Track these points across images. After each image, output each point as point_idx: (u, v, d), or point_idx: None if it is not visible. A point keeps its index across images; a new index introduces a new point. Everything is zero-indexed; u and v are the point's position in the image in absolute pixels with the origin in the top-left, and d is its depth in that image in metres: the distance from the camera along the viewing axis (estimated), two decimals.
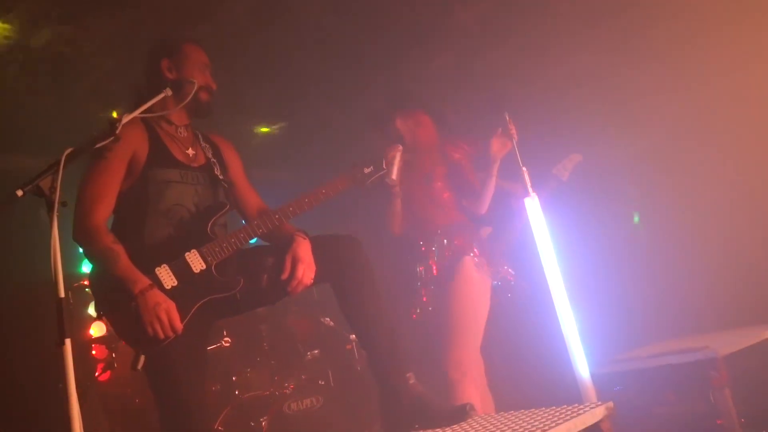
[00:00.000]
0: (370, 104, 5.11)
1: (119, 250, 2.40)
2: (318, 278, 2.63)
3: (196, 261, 2.47)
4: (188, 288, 2.43)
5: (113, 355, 4.36)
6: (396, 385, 2.50)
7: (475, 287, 3.37)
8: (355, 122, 5.32)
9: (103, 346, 4.46)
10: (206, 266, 2.47)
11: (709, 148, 4.68)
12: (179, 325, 2.36)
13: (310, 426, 3.90)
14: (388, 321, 2.57)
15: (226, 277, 2.50)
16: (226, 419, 3.96)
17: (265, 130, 5.76)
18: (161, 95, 2.50)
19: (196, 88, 2.61)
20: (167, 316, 2.33)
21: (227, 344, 4.31)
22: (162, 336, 2.33)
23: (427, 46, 4.72)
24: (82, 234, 2.42)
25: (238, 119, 5.34)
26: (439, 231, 3.45)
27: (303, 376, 4.28)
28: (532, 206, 3.03)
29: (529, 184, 3.05)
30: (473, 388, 3.22)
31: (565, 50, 4.73)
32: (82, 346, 4.49)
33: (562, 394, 2.95)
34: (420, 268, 3.44)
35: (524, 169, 3.07)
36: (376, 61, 4.81)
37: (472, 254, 3.41)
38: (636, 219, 4.74)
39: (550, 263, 2.97)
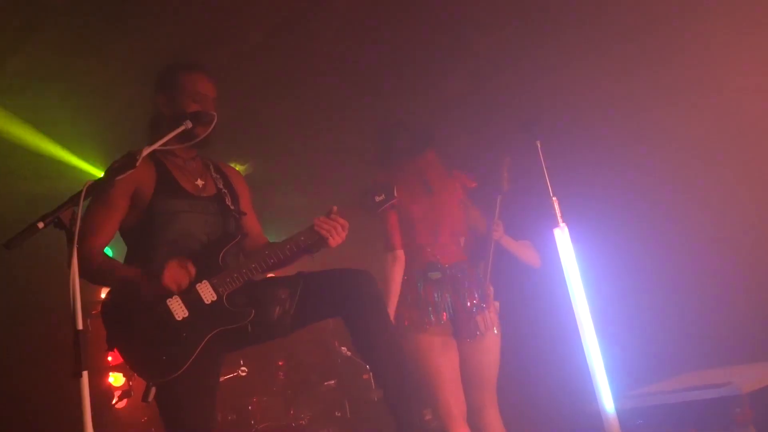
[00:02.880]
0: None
1: (113, 263, 2.49)
2: (330, 313, 2.63)
3: (207, 292, 2.46)
4: (199, 319, 2.43)
5: (130, 383, 4.36)
6: (412, 422, 2.46)
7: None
8: (366, 143, 5.35)
9: (120, 374, 4.46)
10: (217, 297, 2.46)
11: (735, 174, 4.61)
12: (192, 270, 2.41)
13: None
14: (402, 356, 2.54)
15: (237, 308, 2.48)
16: None
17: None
18: (181, 128, 2.48)
19: (186, 127, 2.50)
20: (175, 269, 2.38)
21: (243, 374, 4.30)
22: (187, 281, 2.39)
23: (443, 73, 4.74)
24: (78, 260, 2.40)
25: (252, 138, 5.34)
26: (447, 271, 3.44)
27: (319, 407, 4.24)
28: (561, 237, 3.01)
29: (559, 215, 3.03)
30: None
31: (582, 75, 4.71)
32: (100, 372, 4.48)
33: (584, 428, 2.90)
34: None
35: (554, 198, 3.05)
36: (392, 86, 4.83)
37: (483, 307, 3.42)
38: None
39: (578, 294, 2.94)
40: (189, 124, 2.51)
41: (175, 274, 2.39)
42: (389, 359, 2.51)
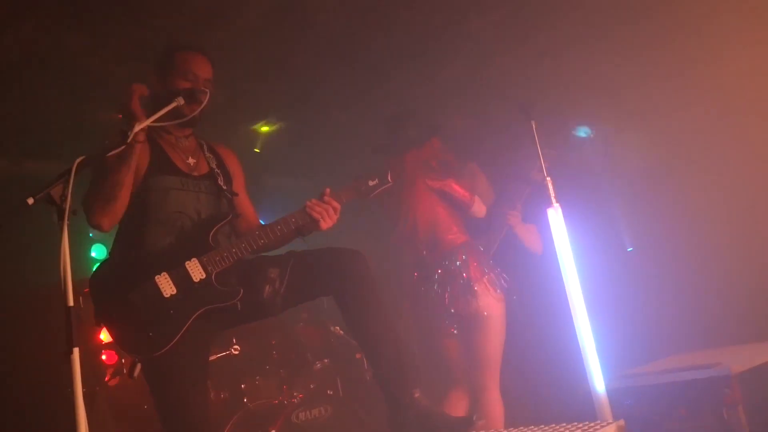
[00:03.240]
0: (380, 111, 5.14)
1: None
2: (321, 292, 2.65)
3: (196, 270, 2.46)
4: (187, 297, 2.44)
5: (122, 360, 4.36)
6: (402, 400, 2.49)
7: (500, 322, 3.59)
8: (363, 127, 5.35)
9: (113, 352, 4.47)
10: (206, 275, 2.47)
11: (731, 154, 4.62)
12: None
13: None
14: (394, 335, 2.56)
15: (225, 288, 2.49)
16: (234, 427, 3.95)
17: (265, 129, 5.72)
18: (173, 104, 2.49)
19: (177, 104, 2.52)
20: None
21: (236, 352, 4.30)
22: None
23: (440, 52, 4.71)
24: (97, 222, 2.45)
25: (241, 119, 5.32)
26: (451, 253, 3.59)
27: (312, 386, 4.26)
28: (555, 217, 3.02)
29: (553, 195, 3.04)
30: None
31: (580, 58, 4.70)
32: (92, 351, 4.49)
33: (575, 408, 2.93)
34: (446, 299, 3.56)
35: (548, 179, 3.06)
36: (387, 66, 4.81)
37: (486, 281, 3.56)
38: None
39: (570, 275, 2.95)
40: (181, 101, 2.52)
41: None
42: (380, 338, 2.53)
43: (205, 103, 2.59)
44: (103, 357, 4.64)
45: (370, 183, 2.70)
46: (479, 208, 3.76)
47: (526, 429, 2.43)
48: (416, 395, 2.49)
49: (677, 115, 4.52)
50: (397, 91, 5.11)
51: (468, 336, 3.57)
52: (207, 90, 2.62)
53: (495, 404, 3.48)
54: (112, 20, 3.80)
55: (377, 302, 2.56)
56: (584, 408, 2.85)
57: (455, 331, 3.58)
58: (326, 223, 2.59)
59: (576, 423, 2.31)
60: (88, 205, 2.43)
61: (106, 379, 4.49)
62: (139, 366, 2.42)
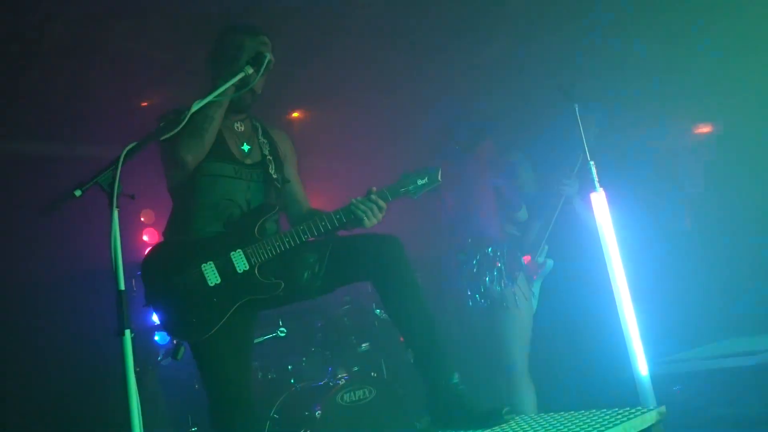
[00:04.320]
0: (419, 93, 5.14)
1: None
2: (359, 277, 2.67)
3: (240, 261, 2.52)
4: (230, 287, 2.49)
5: (174, 341, 4.48)
6: (439, 383, 2.51)
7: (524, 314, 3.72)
8: (404, 109, 5.35)
9: (165, 333, 4.60)
10: (249, 267, 2.52)
11: None
12: None
13: (363, 416, 3.93)
14: (431, 319, 2.57)
15: (267, 280, 2.54)
16: (281, 407, 4.04)
17: (296, 115, 5.76)
18: (238, 76, 2.48)
19: (245, 73, 2.51)
20: None
21: (283, 334, 4.39)
22: None
23: (477, 34, 4.66)
24: (182, 156, 2.50)
25: (280, 103, 5.34)
26: (490, 243, 3.73)
27: (356, 368, 4.32)
28: (598, 201, 3.00)
29: (596, 179, 3.02)
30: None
31: (623, 36, 4.60)
32: (145, 332, 4.64)
33: (619, 392, 2.91)
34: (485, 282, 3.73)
35: (592, 162, 3.03)
36: (426, 47, 4.79)
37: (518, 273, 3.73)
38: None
39: (613, 259, 2.93)
40: (249, 70, 2.51)
41: None
42: (419, 323, 2.55)
43: (266, 63, 2.53)
44: (156, 337, 4.81)
45: (419, 182, 2.64)
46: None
47: (566, 414, 2.43)
48: (455, 379, 2.50)
49: (723, 97, 4.40)
50: (437, 73, 5.09)
51: (495, 321, 3.69)
52: (268, 55, 2.56)
53: (523, 389, 3.58)
54: (155, 6, 3.87)
55: (414, 286, 2.57)
56: (629, 393, 2.83)
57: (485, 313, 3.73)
58: (370, 222, 2.58)
59: (617, 409, 2.29)
60: (178, 139, 2.42)
61: (159, 359, 4.65)
62: (183, 349, 2.49)
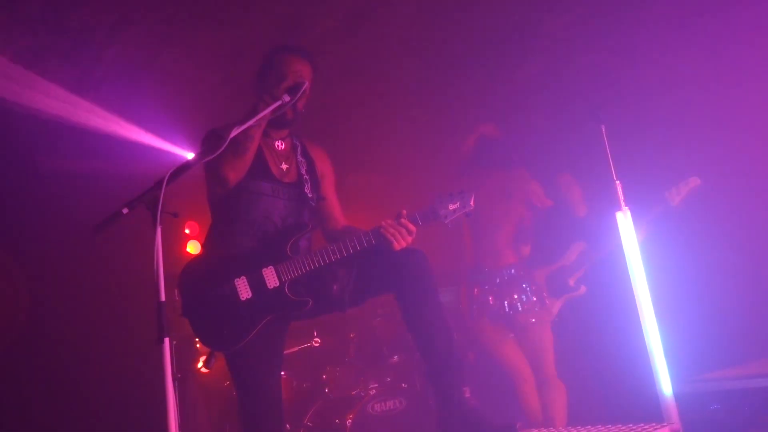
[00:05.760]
0: (455, 110, 5.23)
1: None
2: (385, 289, 2.72)
3: (271, 277, 2.62)
4: (261, 302, 2.61)
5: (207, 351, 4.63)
6: (451, 397, 2.57)
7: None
8: (441, 126, 5.45)
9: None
10: (280, 284, 2.62)
11: None
12: None
13: (392, 427, 4.03)
14: (448, 334, 2.63)
15: (296, 297, 2.64)
16: (314, 415, 4.16)
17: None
18: (278, 103, 2.58)
19: (282, 102, 2.60)
20: None
21: (317, 344, 4.51)
22: None
23: (513, 54, 4.74)
24: (231, 177, 2.63)
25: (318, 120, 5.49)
26: (510, 267, 3.92)
27: (388, 378, 4.41)
28: (624, 221, 3.04)
29: (621, 198, 3.06)
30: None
31: (658, 55, 4.61)
32: (187, 338, 4.80)
33: (647, 410, 2.94)
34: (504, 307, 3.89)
35: (618, 182, 3.07)
36: (463, 68, 4.87)
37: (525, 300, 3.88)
38: None
39: (638, 278, 2.97)
40: (286, 98, 2.60)
41: None
42: (435, 336, 2.61)
43: (303, 90, 2.63)
44: (197, 345, 4.97)
45: (451, 207, 2.66)
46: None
47: (581, 428, 2.49)
48: (466, 394, 2.57)
49: (753, 116, 4.36)
50: (473, 92, 5.18)
51: (523, 339, 3.89)
52: (305, 83, 2.66)
53: (557, 394, 3.79)
54: (201, 31, 4.06)
55: (435, 301, 2.64)
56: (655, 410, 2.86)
57: (512, 335, 3.90)
58: (399, 245, 2.61)
59: (631, 425, 2.34)
60: (220, 158, 2.49)
61: (199, 365, 4.81)
62: (213, 359, 2.62)
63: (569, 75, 4.86)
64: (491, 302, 3.85)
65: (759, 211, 4.51)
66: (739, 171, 4.44)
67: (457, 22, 4.42)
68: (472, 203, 2.66)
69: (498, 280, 3.88)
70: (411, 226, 2.62)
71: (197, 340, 4.67)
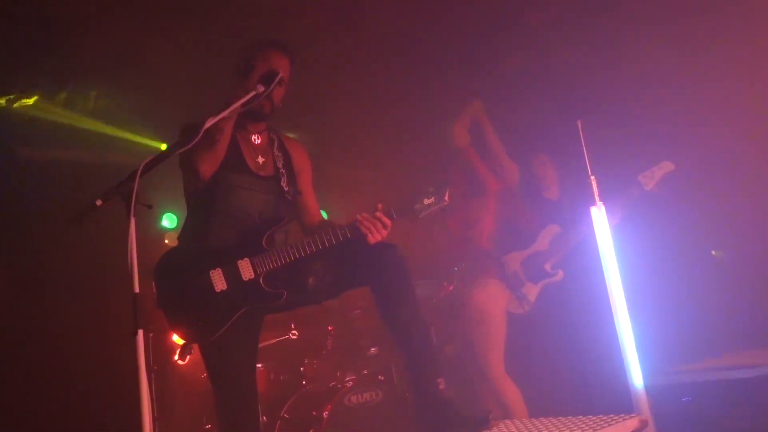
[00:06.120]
0: (438, 105, 5.26)
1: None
2: (361, 282, 2.75)
3: (246, 269, 2.64)
4: (236, 293, 2.62)
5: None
6: (426, 389, 2.61)
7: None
8: (423, 120, 5.47)
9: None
10: (255, 276, 2.64)
11: None
12: None
13: (369, 418, 4.05)
14: (424, 327, 2.67)
15: (271, 289, 2.65)
16: (291, 407, 4.18)
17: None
18: (251, 94, 2.57)
19: (256, 92, 2.59)
20: None
21: (294, 337, 4.52)
22: None
23: (496, 48, 4.76)
24: (196, 166, 2.60)
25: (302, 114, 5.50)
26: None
27: (365, 371, 4.44)
28: (598, 215, 3.08)
29: (596, 194, 3.10)
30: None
31: (638, 50, 4.66)
32: (164, 331, 4.78)
33: (618, 402, 2.99)
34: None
35: (593, 177, 3.11)
36: (443, 61, 4.89)
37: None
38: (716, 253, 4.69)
39: (612, 272, 3.02)
40: (260, 88, 2.59)
41: None
42: (411, 329, 2.64)
43: (277, 79, 2.61)
44: (174, 337, 4.96)
45: (426, 201, 2.69)
46: None
47: (553, 419, 2.53)
48: (440, 385, 2.60)
49: (729, 110, 4.44)
50: (454, 85, 5.20)
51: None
52: (279, 73, 2.64)
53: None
54: (185, 24, 4.03)
55: (410, 294, 2.67)
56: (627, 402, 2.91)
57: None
58: (374, 238, 2.64)
59: (601, 416, 2.39)
60: (194, 150, 2.51)
61: (175, 357, 4.80)
62: (188, 351, 2.63)
63: (549, 71, 4.90)
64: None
65: (733, 203, 4.59)
66: (712, 164, 4.52)
67: (440, 17, 4.43)
68: (447, 198, 2.69)
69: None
70: (386, 220, 2.65)
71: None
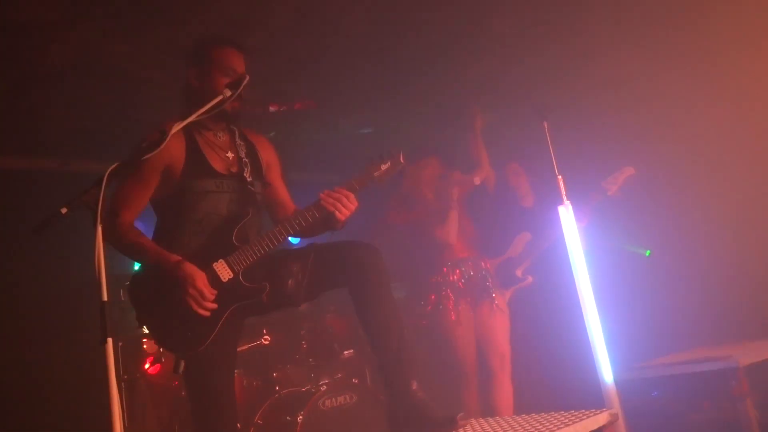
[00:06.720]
0: (406, 109, 5.30)
1: (143, 241, 2.61)
2: (338, 283, 2.74)
3: (223, 270, 2.59)
4: (218, 296, 2.57)
5: (161, 349, 4.59)
6: (399, 388, 2.62)
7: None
8: (392, 124, 5.50)
9: (153, 341, 4.71)
10: (234, 274, 2.60)
11: (744, 154, 4.62)
12: (208, 293, 2.52)
13: (343, 422, 4.05)
14: (400, 328, 2.67)
15: (253, 284, 2.62)
16: (264, 413, 4.15)
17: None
18: (218, 98, 2.56)
19: (224, 96, 2.60)
20: (197, 290, 2.50)
21: (267, 342, 4.50)
22: (199, 310, 2.49)
23: (463, 54, 4.80)
24: (109, 233, 2.49)
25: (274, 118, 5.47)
26: (460, 261, 4.11)
27: (339, 374, 4.43)
28: (565, 214, 3.13)
29: (564, 193, 3.15)
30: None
31: (604, 55, 4.74)
32: (133, 340, 4.74)
33: (590, 397, 3.04)
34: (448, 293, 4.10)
35: (560, 177, 3.16)
36: (414, 66, 4.92)
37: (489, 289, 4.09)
38: (648, 252, 4.79)
39: (580, 271, 3.07)
40: (227, 93, 2.60)
41: (204, 287, 2.53)
42: (386, 328, 2.65)
43: (244, 82, 2.63)
44: (144, 346, 4.90)
45: (383, 167, 2.70)
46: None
47: (525, 416, 2.56)
48: (413, 386, 2.60)
49: (692, 111, 4.54)
50: (425, 90, 5.23)
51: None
52: (246, 77, 2.66)
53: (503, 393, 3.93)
54: (150, 27, 3.99)
55: (387, 294, 2.67)
56: (597, 398, 2.96)
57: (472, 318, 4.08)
58: (342, 213, 2.63)
59: (573, 411, 2.42)
60: (115, 198, 2.56)
61: (146, 366, 4.75)
62: (183, 362, 2.55)
63: (515, 74, 4.95)
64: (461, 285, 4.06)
65: (696, 203, 4.69)
66: (675, 166, 4.62)
67: (407, 22, 4.45)
68: (401, 159, 2.71)
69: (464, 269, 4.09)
70: (347, 192, 2.65)
71: (152, 342, 4.66)
